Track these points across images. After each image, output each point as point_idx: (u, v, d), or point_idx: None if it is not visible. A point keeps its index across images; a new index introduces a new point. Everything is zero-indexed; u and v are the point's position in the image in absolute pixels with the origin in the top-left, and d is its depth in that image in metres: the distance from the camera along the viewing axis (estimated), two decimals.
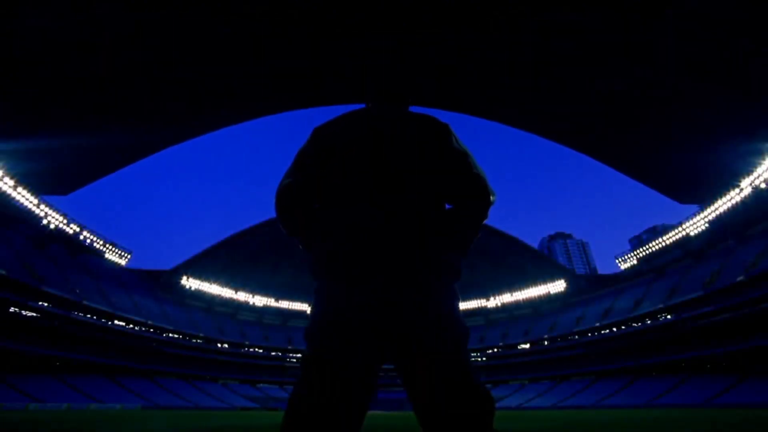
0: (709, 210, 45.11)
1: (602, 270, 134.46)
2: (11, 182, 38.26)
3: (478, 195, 1.28)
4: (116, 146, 34.74)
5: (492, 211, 1.34)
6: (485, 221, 1.33)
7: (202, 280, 63.85)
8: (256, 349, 63.49)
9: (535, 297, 67.62)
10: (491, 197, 1.30)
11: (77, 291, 43.54)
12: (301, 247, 1.37)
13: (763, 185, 37.09)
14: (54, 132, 30.72)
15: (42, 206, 43.90)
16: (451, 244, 1.25)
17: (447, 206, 1.33)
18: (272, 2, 24.67)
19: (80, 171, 37.50)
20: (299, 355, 63.53)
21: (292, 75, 32.50)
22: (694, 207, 47.76)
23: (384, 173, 1.26)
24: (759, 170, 36.29)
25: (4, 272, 35.35)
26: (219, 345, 59.61)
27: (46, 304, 39.34)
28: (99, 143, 33.10)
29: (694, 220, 47.96)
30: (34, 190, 39.01)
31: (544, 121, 36.08)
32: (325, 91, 35.08)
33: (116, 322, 47.28)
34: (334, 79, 33.34)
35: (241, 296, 67.99)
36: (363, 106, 1.52)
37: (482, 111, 37.44)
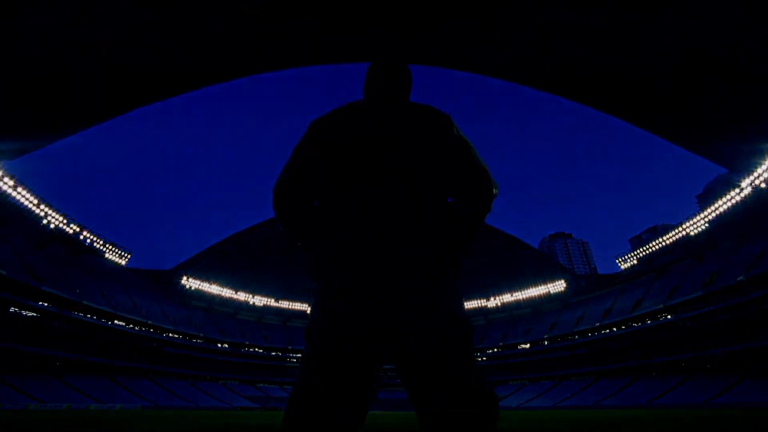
0: (709, 210, 45.06)
1: (602, 270, 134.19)
2: (11, 182, 38.24)
3: (482, 187, 1.24)
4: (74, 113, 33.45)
5: (492, 211, 1.29)
6: (486, 218, 1.29)
7: (202, 280, 63.83)
8: (256, 349, 63.49)
9: (535, 297, 67.59)
10: (494, 189, 1.26)
11: (77, 291, 43.52)
12: (299, 245, 1.33)
13: (763, 185, 37.02)
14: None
15: (42, 206, 43.84)
16: (453, 238, 1.22)
17: (449, 200, 1.29)
18: (272, 1, 24.65)
19: (30, 137, 35.84)
20: (299, 355, 63.50)
21: (289, 61, 32.46)
22: (695, 207, 47.52)
23: (384, 166, 1.22)
24: (759, 170, 36.21)
25: (4, 272, 35.32)
26: (219, 345, 59.63)
27: (45, 304, 39.32)
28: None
29: (694, 220, 47.92)
30: None
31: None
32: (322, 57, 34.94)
33: (116, 322, 47.28)
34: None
35: (241, 296, 67.97)
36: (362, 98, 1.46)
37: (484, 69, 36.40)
